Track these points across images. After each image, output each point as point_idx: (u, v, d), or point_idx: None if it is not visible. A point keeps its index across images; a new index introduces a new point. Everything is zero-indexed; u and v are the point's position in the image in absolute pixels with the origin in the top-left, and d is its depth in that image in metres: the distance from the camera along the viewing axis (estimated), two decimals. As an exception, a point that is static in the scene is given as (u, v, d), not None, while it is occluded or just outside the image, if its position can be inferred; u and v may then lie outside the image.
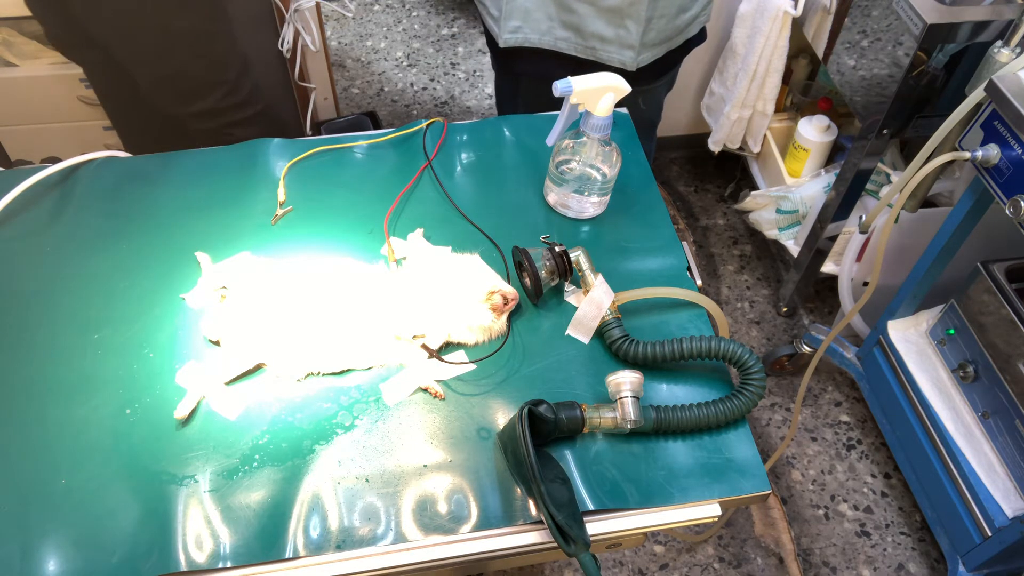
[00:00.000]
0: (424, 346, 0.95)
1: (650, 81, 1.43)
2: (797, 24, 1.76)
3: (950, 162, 1.23)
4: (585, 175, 1.07)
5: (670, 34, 1.34)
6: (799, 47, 1.96)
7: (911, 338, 1.60)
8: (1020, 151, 1.17)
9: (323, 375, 0.94)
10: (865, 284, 1.79)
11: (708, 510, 0.85)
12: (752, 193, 2.02)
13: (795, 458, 1.86)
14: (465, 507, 0.84)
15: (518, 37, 1.33)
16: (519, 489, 0.85)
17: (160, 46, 1.34)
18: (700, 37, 1.46)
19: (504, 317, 0.97)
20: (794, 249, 1.92)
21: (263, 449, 0.88)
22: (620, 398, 0.86)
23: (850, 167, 1.62)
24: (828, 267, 1.87)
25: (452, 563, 0.82)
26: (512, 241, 1.05)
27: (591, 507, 0.83)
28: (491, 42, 1.46)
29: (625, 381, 0.86)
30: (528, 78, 1.49)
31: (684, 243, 1.09)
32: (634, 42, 1.29)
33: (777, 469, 1.84)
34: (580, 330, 0.98)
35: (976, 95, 1.18)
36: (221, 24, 1.37)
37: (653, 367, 0.95)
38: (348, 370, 0.95)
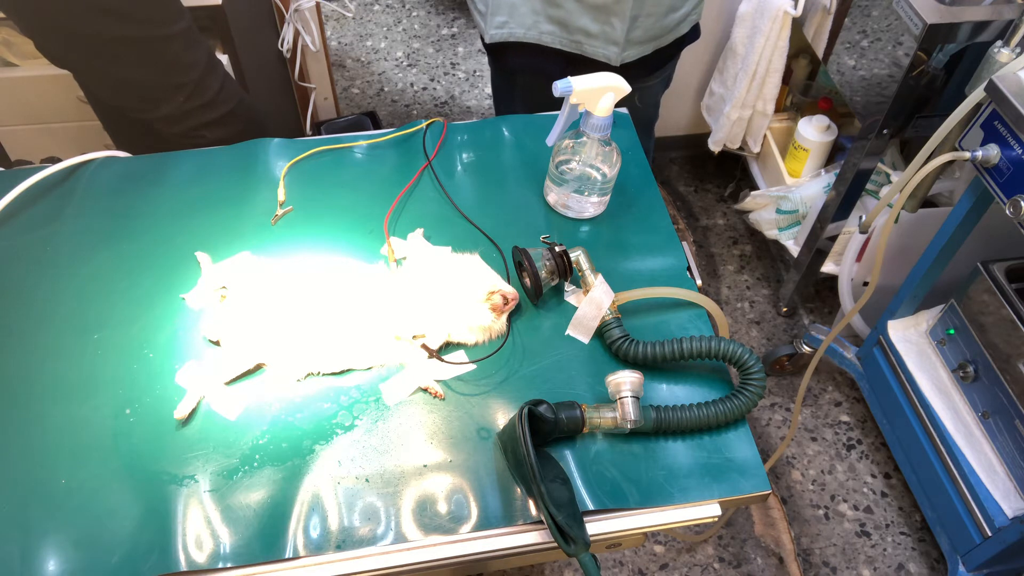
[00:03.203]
0: (424, 346, 0.95)
1: (643, 78, 1.44)
2: (797, 24, 1.76)
3: (950, 162, 1.23)
4: (585, 175, 1.07)
5: (658, 32, 1.34)
6: (799, 47, 1.96)
7: (911, 338, 1.60)
8: (1020, 151, 1.17)
9: (323, 375, 0.94)
10: (865, 284, 1.79)
11: (708, 510, 0.85)
12: (752, 193, 2.02)
13: (795, 458, 1.86)
14: (465, 507, 0.84)
15: (504, 32, 1.34)
16: (519, 489, 0.85)
17: (105, 55, 1.30)
18: (693, 35, 1.47)
19: (504, 317, 0.97)
20: (794, 249, 1.92)
21: (263, 449, 0.88)
22: (620, 398, 0.86)
23: (850, 167, 1.62)
24: (828, 267, 1.87)
25: (452, 563, 0.82)
26: (512, 241, 1.05)
27: (591, 507, 0.83)
28: (483, 37, 1.46)
29: (625, 381, 0.86)
30: (523, 75, 1.49)
31: (684, 243, 1.09)
32: (619, 38, 1.29)
33: (777, 469, 1.84)
34: (580, 330, 0.98)
35: (976, 95, 1.18)
36: (170, 28, 1.32)
37: (653, 367, 0.95)
38: (348, 370, 0.95)
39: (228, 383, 0.93)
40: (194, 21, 1.39)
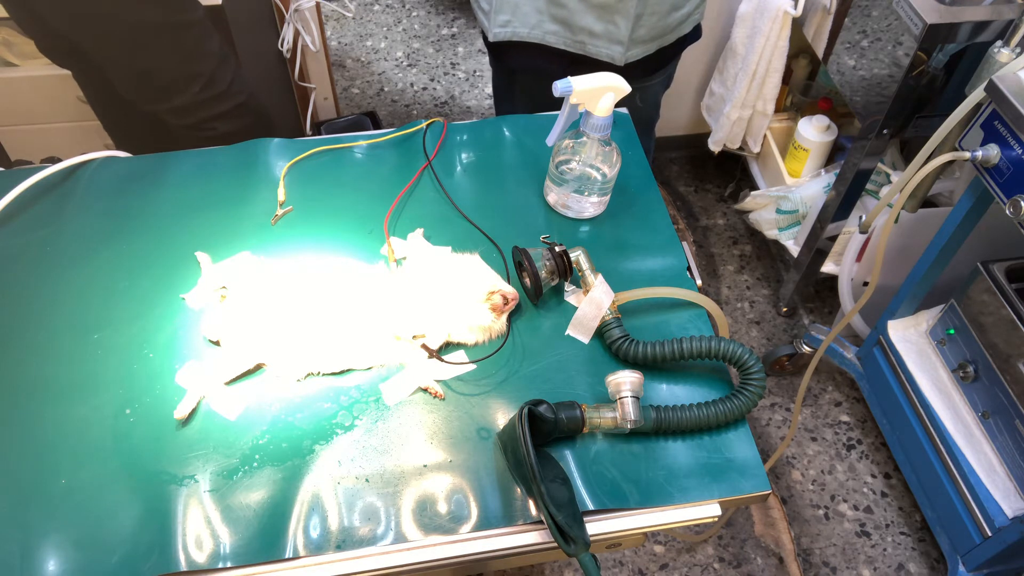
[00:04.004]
0: (424, 346, 0.95)
1: (644, 78, 1.44)
2: (797, 24, 1.76)
3: (950, 162, 1.23)
4: (585, 175, 1.07)
5: (661, 31, 1.34)
6: (799, 47, 1.96)
7: (911, 338, 1.60)
8: (1020, 151, 1.17)
9: (323, 375, 0.94)
10: (865, 284, 1.79)
11: (708, 510, 0.85)
12: (752, 193, 2.02)
13: (795, 458, 1.86)
14: (465, 507, 0.84)
15: (507, 31, 1.34)
16: (519, 489, 0.85)
17: (128, 42, 1.33)
18: (695, 35, 1.47)
19: (504, 317, 0.97)
20: (794, 249, 1.92)
21: (263, 449, 0.88)
22: (620, 398, 0.86)
23: (850, 167, 1.62)
24: (828, 267, 1.87)
25: (452, 563, 0.82)
26: (512, 241, 1.05)
27: (591, 507, 0.83)
28: (485, 37, 1.47)
29: (625, 381, 0.86)
30: (523, 74, 1.49)
31: (684, 243, 1.09)
32: (623, 38, 1.29)
33: (777, 469, 1.84)
34: (580, 330, 0.98)
35: (976, 95, 1.18)
36: (190, 15, 1.35)
37: (653, 367, 0.95)
38: (348, 370, 0.95)
39: (228, 383, 0.93)
40: None
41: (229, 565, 0.80)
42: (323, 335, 0.95)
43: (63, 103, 1.71)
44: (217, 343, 0.96)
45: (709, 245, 2.28)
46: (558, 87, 0.98)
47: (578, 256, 0.99)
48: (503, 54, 1.44)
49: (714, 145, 2.12)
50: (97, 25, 1.29)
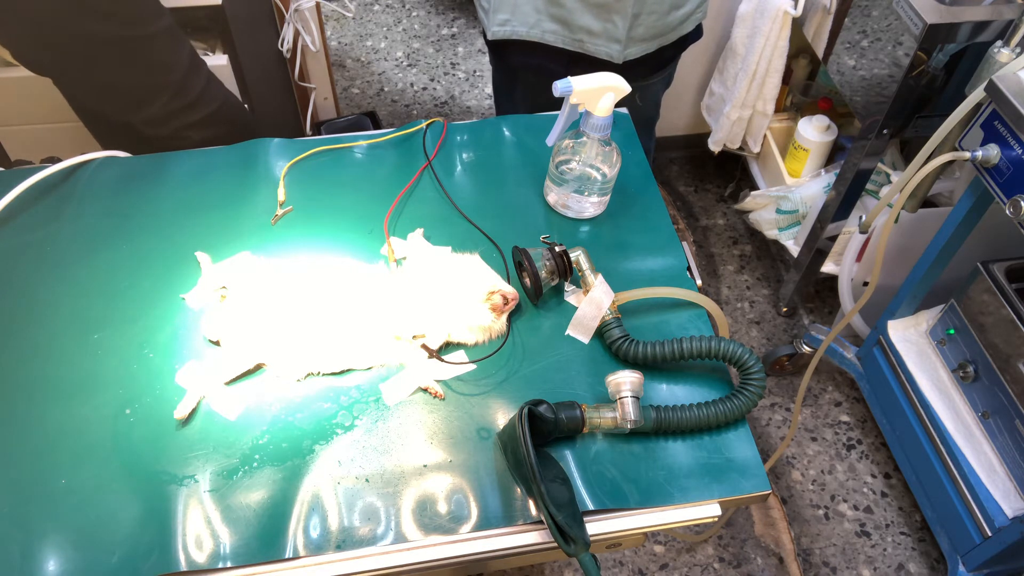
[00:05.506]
0: (424, 346, 0.95)
1: (645, 77, 1.44)
2: (797, 24, 1.76)
3: (950, 162, 1.23)
4: (585, 175, 1.07)
5: (661, 30, 1.34)
6: (799, 47, 1.96)
7: (911, 338, 1.60)
8: (1020, 151, 1.17)
9: (323, 375, 0.94)
10: (865, 284, 1.79)
11: (708, 510, 0.85)
12: (752, 193, 2.02)
13: (795, 458, 1.86)
14: (465, 507, 0.84)
15: (506, 30, 1.34)
16: (519, 489, 0.85)
17: (85, 56, 1.29)
18: (696, 34, 1.47)
19: (504, 317, 0.97)
20: (794, 249, 1.92)
21: (263, 449, 0.88)
22: (620, 398, 0.86)
23: (850, 167, 1.62)
24: (828, 267, 1.87)
25: (452, 563, 0.82)
26: (512, 241, 1.05)
27: (591, 507, 0.83)
28: (486, 35, 1.47)
29: (625, 381, 0.86)
30: (524, 72, 1.49)
31: (684, 243, 1.09)
32: (621, 36, 1.30)
33: (777, 469, 1.84)
34: (580, 330, 0.98)
35: (976, 95, 1.18)
36: (151, 28, 1.30)
37: (653, 367, 0.95)
38: (348, 370, 0.95)
39: (228, 383, 0.93)
40: (193, 21, 1.38)
41: (229, 565, 0.80)
42: (323, 335, 0.95)
43: (63, 103, 1.71)
44: (217, 343, 0.96)
45: (709, 245, 2.28)
46: (558, 87, 0.98)
47: (578, 256, 0.99)
48: (503, 52, 1.45)
49: (714, 145, 2.12)
50: (52, 41, 1.25)
